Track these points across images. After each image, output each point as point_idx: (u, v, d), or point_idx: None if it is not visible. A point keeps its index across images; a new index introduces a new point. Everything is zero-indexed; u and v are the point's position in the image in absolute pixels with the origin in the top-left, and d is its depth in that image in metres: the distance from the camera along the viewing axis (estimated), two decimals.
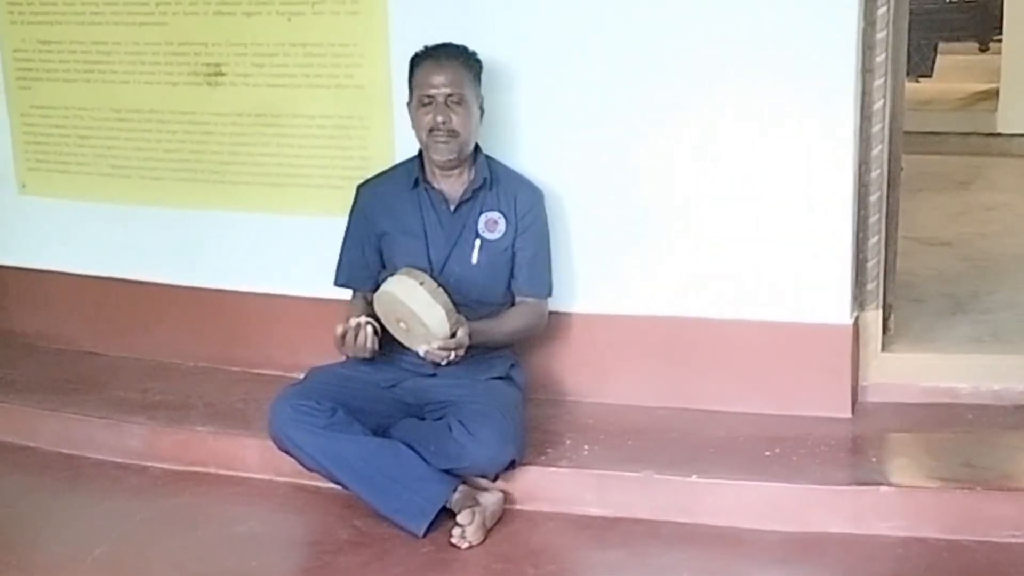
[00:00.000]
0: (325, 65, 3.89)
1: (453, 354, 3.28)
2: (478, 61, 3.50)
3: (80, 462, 3.79)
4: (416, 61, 3.47)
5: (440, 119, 3.40)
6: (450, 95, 3.40)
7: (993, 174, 7.59)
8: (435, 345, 3.26)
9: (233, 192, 4.11)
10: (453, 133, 3.41)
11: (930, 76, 10.58)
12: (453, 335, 3.27)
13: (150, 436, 3.77)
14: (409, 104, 3.50)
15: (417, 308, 3.23)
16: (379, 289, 3.34)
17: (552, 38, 3.68)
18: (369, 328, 3.31)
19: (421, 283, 3.24)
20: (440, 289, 3.26)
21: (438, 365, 3.34)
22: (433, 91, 3.40)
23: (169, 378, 4.17)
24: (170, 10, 4.04)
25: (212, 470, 3.67)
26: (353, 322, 3.32)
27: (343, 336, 3.32)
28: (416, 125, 3.47)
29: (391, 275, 3.36)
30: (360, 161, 3.88)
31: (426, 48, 3.47)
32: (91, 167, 4.32)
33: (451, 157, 3.45)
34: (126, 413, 3.87)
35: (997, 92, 8.83)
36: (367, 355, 3.33)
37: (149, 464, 3.73)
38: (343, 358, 3.52)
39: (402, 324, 3.31)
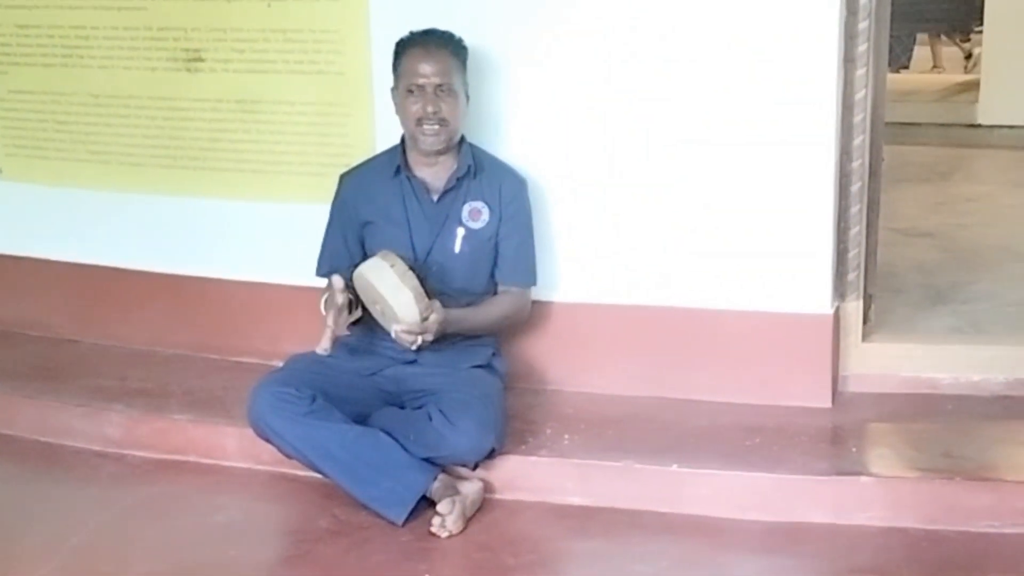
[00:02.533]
0: (305, 51, 3.87)
1: (420, 339, 3.26)
2: (464, 48, 3.48)
3: (58, 450, 3.77)
4: (402, 47, 3.45)
5: (430, 109, 3.37)
6: (439, 85, 3.38)
7: (974, 165, 7.63)
8: (401, 328, 3.25)
9: (212, 179, 4.09)
10: (443, 122, 3.39)
11: (907, 67, 10.62)
12: (425, 319, 3.25)
13: (128, 424, 3.74)
14: (394, 90, 3.48)
15: (385, 291, 3.22)
16: (356, 271, 3.33)
17: (535, 26, 3.66)
18: (340, 297, 3.25)
19: (392, 265, 3.23)
20: (411, 273, 3.24)
21: (410, 350, 3.32)
22: (422, 80, 3.38)
23: (148, 366, 4.14)
24: None
25: (191, 458, 3.65)
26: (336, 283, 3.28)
27: (325, 300, 3.29)
28: (403, 114, 3.44)
29: (371, 255, 3.35)
30: (341, 148, 3.86)
31: (412, 34, 3.45)
32: (69, 153, 4.30)
33: (439, 147, 3.44)
34: (104, 401, 3.85)
35: (977, 83, 8.86)
36: (340, 320, 3.27)
37: (127, 452, 3.71)
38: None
39: (377, 305, 3.30)
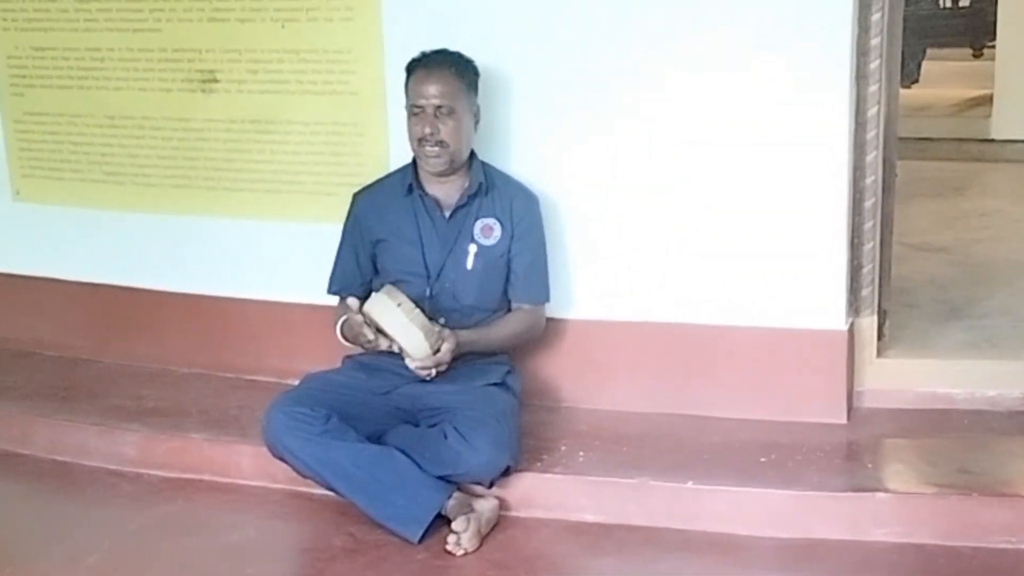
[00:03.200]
0: (319, 71, 3.88)
1: (434, 371, 3.31)
2: (473, 69, 3.48)
3: (74, 469, 3.77)
4: (410, 68, 3.47)
5: (428, 130, 3.39)
6: (439, 106, 3.39)
7: (987, 180, 7.61)
8: (415, 364, 3.28)
9: (227, 199, 4.11)
10: (442, 144, 3.41)
11: (917, 81, 10.61)
12: (437, 351, 3.27)
13: (144, 443, 3.75)
14: (406, 108, 3.49)
15: (393, 331, 3.25)
16: (362, 306, 3.34)
17: (549, 45, 3.67)
18: (359, 317, 3.30)
19: (398, 304, 3.25)
20: (417, 310, 3.26)
21: (423, 381, 3.36)
22: (423, 101, 3.39)
23: (163, 385, 4.15)
24: (164, 16, 4.04)
25: (207, 477, 3.65)
26: (352, 304, 3.32)
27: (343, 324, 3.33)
28: (408, 133, 3.47)
29: (375, 291, 3.36)
30: (354, 168, 3.87)
31: (421, 55, 3.47)
32: (85, 174, 4.32)
33: (441, 169, 3.46)
34: (120, 420, 3.85)
35: (991, 98, 8.85)
36: (368, 343, 3.32)
37: (143, 471, 3.72)
38: (338, 364, 3.52)
39: (385, 342, 3.32)
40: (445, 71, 3.41)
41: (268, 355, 4.10)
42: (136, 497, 3.60)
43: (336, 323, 3.39)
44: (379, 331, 3.33)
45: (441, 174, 3.48)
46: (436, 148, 3.41)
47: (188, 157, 4.13)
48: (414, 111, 3.41)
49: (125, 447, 3.76)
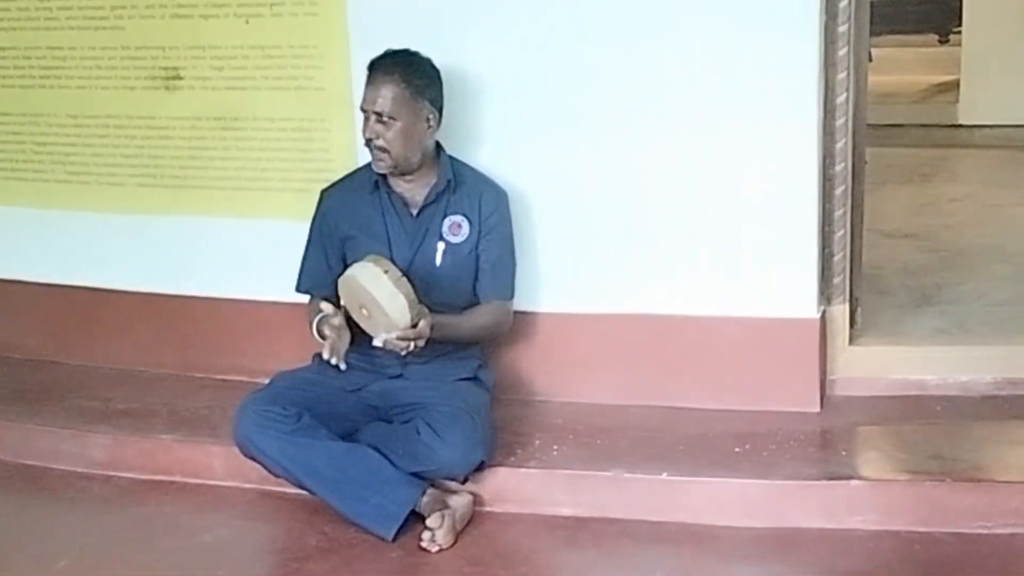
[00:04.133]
0: (284, 67, 3.85)
1: (412, 344, 3.24)
2: (425, 75, 3.42)
3: (43, 473, 3.74)
4: (367, 68, 3.43)
5: (367, 136, 3.38)
6: (379, 114, 3.36)
7: (956, 165, 7.65)
8: (395, 335, 3.23)
9: (193, 197, 4.07)
10: (384, 150, 3.38)
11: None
12: (415, 325, 3.24)
13: (114, 445, 3.72)
14: None
15: (380, 296, 3.20)
16: (344, 273, 3.30)
17: (516, 40, 3.65)
18: (336, 319, 3.26)
19: (386, 271, 3.21)
20: (404, 279, 3.22)
21: (399, 356, 3.31)
22: (367, 107, 3.38)
23: (132, 386, 4.12)
24: (126, 14, 3.99)
25: (178, 478, 3.63)
26: (326, 308, 3.28)
27: (318, 323, 3.30)
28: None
29: (356, 261, 3.33)
30: (322, 164, 3.84)
31: (376, 57, 3.42)
32: (48, 174, 4.27)
33: (385, 171, 3.44)
34: (89, 422, 3.82)
35: (958, 84, 8.88)
36: (341, 338, 3.27)
37: (113, 474, 3.69)
38: (309, 362, 3.49)
39: (364, 311, 3.26)
40: (388, 79, 3.36)
41: (238, 354, 4.07)
42: (106, 500, 3.57)
43: (311, 323, 3.36)
44: (348, 314, 3.29)
45: (391, 175, 3.46)
46: (379, 153, 3.40)
47: (153, 155, 4.09)
48: (363, 113, 3.40)
49: (94, 449, 3.73)
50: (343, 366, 3.24)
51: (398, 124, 3.37)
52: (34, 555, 3.24)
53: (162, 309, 4.18)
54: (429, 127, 3.44)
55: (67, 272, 4.30)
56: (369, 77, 3.39)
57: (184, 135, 4.04)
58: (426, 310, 3.27)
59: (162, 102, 4.03)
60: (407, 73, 3.39)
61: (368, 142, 3.40)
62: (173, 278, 4.15)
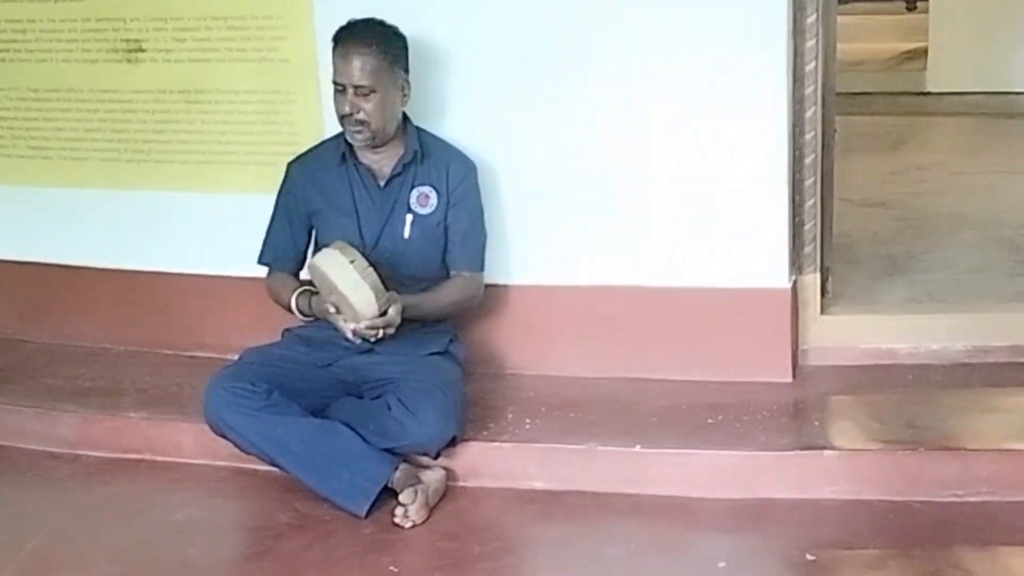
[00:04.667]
0: (248, 38, 3.80)
1: (381, 332, 3.24)
2: (398, 43, 3.40)
3: (10, 453, 3.70)
4: (335, 40, 3.38)
5: (347, 110, 3.34)
6: (357, 87, 3.32)
7: (924, 133, 7.67)
8: (363, 324, 3.21)
9: (158, 171, 4.02)
10: (364, 123, 3.35)
11: None
12: (384, 313, 3.21)
13: (82, 424, 3.69)
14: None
15: (345, 288, 3.18)
16: (311, 261, 3.27)
17: (483, 10, 3.62)
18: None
19: (352, 261, 3.18)
20: (370, 269, 3.19)
21: (368, 341, 3.29)
22: (344, 80, 3.33)
23: (99, 364, 4.08)
24: None
25: (147, 457, 3.60)
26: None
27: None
28: (335, 107, 3.40)
29: (325, 246, 3.30)
30: (288, 136, 3.81)
31: (343, 28, 3.38)
32: (10, 149, 4.21)
33: (364, 144, 3.41)
34: (56, 401, 3.79)
35: (925, 51, 8.90)
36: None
37: (82, 453, 3.65)
38: (278, 338, 3.47)
39: (332, 296, 3.25)
40: (365, 49, 3.32)
41: (206, 330, 4.04)
42: (75, 479, 3.54)
43: (291, 299, 3.35)
44: (325, 287, 3.27)
45: (360, 147, 3.43)
46: (359, 126, 3.35)
47: (116, 129, 4.04)
48: (336, 88, 3.35)
49: (62, 429, 3.70)
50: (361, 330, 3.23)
51: (377, 95, 3.33)
52: (1, 536, 3.21)
53: (128, 285, 4.13)
54: (404, 96, 3.41)
55: (30, 249, 4.25)
56: (341, 49, 3.34)
57: (147, 108, 3.99)
58: (396, 296, 3.26)
59: (125, 75, 3.97)
60: (382, 42, 3.35)
61: (345, 116, 3.35)
62: (139, 254, 4.11)
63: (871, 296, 4.09)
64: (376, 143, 3.41)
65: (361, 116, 3.34)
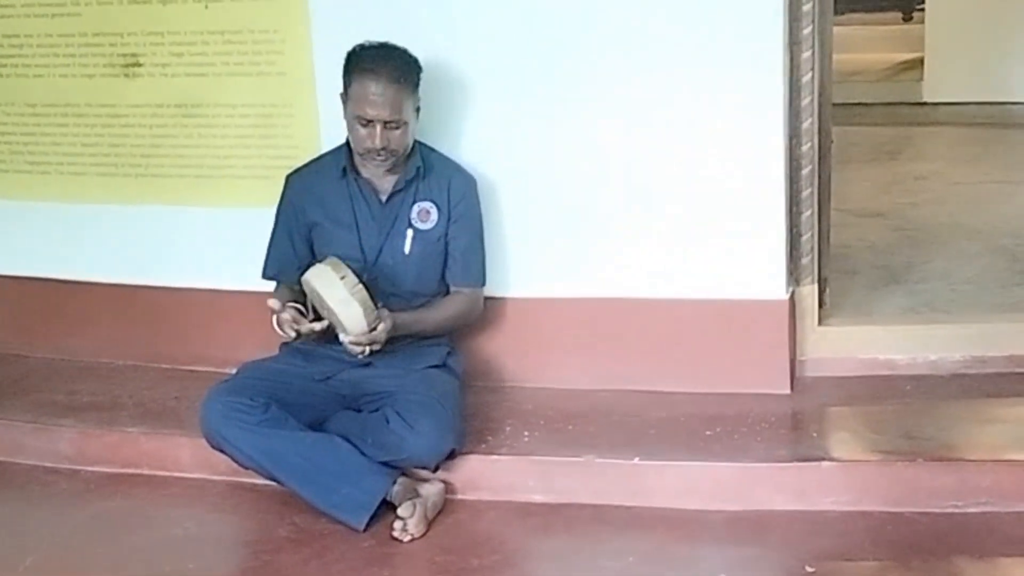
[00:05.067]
0: (245, 53, 3.81)
1: (368, 349, 3.24)
2: (416, 70, 3.37)
3: (8, 468, 3.69)
4: (354, 66, 3.33)
5: (379, 144, 3.31)
6: (389, 122, 3.30)
7: (921, 143, 7.69)
8: (349, 339, 3.22)
9: (156, 186, 4.02)
10: (390, 151, 3.34)
11: None
12: (373, 329, 3.22)
13: (80, 439, 3.68)
14: (344, 99, 3.38)
15: (333, 304, 3.18)
16: (303, 276, 3.28)
17: (482, 25, 3.62)
18: (286, 314, 3.23)
19: (342, 277, 3.18)
20: (360, 286, 3.19)
21: (356, 357, 3.29)
22: (372, 114, 3.28)
23: (97, 379, 4.07)
24: (83, 0, 3.93)
25: (145, 471, 3.59)
26: (273, 305, 3.26)
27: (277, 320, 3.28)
28: (352, 135, 3.37)
29: (318, 261, 3.30)
30: (286, 150, 3.81)
31: (366, 54, 3.33)
32: (7, 164, 4.21)
33: (386, 169, 3.41)
34: (54, 416, 3.78)
35: (922, 61, 8.91)
36: (292, 336, 3.26)
37: (80, 468, 3.65)
38: (276, 352, 3.46)
39: (325, 311, 3.26)
40: (396, 85, 3.28)
41: (204, 344, 4.03)
42: (73, 494, 3.53)
43: (272, 318, 3.34)
44: (315, 308, 3.27)
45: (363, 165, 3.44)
46: (384, 154, 3.34)
47: (114, 144, 4.05)
48: (361, 122, 3.31)
49: (60, 444, 3.69)
50: (292, 335, 3.22)
51: (406, 125, 3.33)
52: (0, 552, 3.19)
53: (126, 300, 4.13)
54: (418, 116, 3.41)
55: (28, 264, 4.25)
56: (366, 84, 3.28)
57: (145, 123, 3.99)
58: (386, 312, 3.26)
59: (122, 90, 3.98)
60: (407, 74, 3.33)
61: (367, 150, 3.33)
62: (137, 268, 4.11)
63: (869, 307, 4.09)
64: (395, 166, 3.41)
65: (391, 147, 3.33)
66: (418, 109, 3.40)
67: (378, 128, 3.30)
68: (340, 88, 3.38)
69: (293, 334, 3.24)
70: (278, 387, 3.27)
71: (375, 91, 3.28)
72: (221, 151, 3.93)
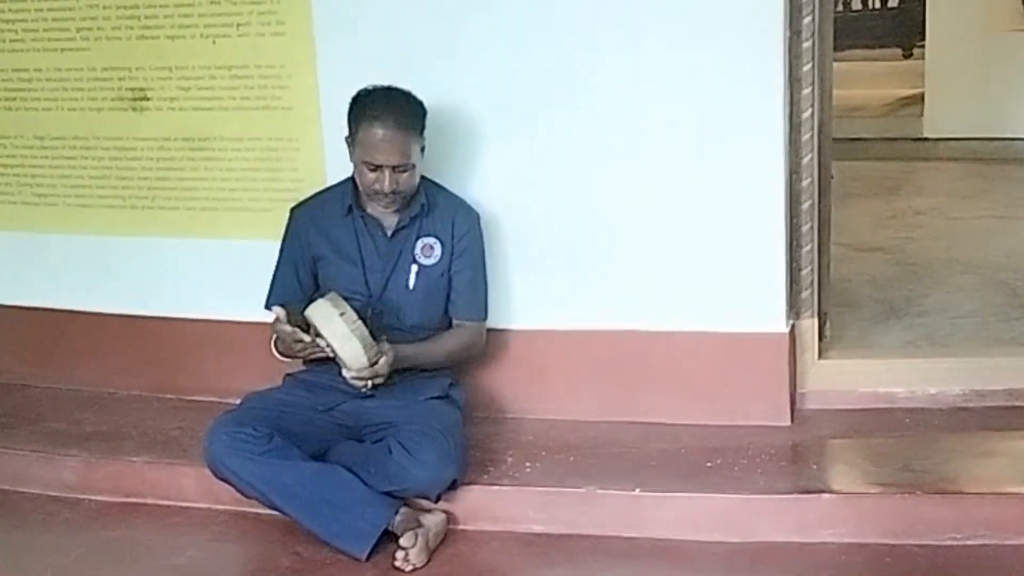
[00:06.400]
0: (252, 87, 3.85)
1: (370, 383, 3.27)
2: (422, 113, 3.40)
3: (13, 497, 3.71)
4: (360, 113, 3.36)
5: (387, 188, 3.34)
6: (397, 166, 3.34)
7: (921, 178, 7.71)
8: (350, 375, 3.24)
9: (162, 218, 4.06)
10: (399, 193, 3.38)
11: None
12: (375, 363, 3.24)
13: (84, 468, 3.69)
14: (349, 142, 3.40)
15: (333, 340, 3.20)
16: (305, 311, 3.29)
17: (486, 62, 3.66)
18: (287, 327, 3.24)
19: (341, 314, 3.20)
20: (359, 322, 3.21)
21: (360, 393, 3.33)
22: (381, 160, 3.32)
23: (102, 408, 4.09)
24: (92, 35, 3.98)
25: (149, 500, 3.61)
26: (278, 312, 3.27)
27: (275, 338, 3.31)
28: (359, 177, 3.40)
29: (319, 296, 3.33)
30: (291, 183, 3.84)
31: (371, 100, 3.36)
32: (16, 196, 4.25)
33: (394, 210, 3.44)
34: (59, 446, 3.79)
35: (922, 97, 8.95)
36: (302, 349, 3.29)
37: (84, 497, 3.66)
38: (279, 382, 3.48)
39: (326, 346, 3.28)
40: (404, 133, 3.32)
41: (208, 375, 4.05)
42: (77, 523, 3.54)
43: (271, 338, 3.36)
44: (317, 335, 3.30)
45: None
46: (393, 196, 3.38)
47: (121, 177, 4.08)
48: (369, 167, 3.34)
49: (65, 473, 3.70)
50: (294, 348, 3.25)
51: (414, 168, 3.37)
52: None
53: (132, 330, 4.15)
54: (423, 155, 3.44)
55: (34, 294, 4.27)
56: (375, 128, 3.31)
57: (152, 156, 4.02)
58: (388, 345, 3.28)
59: (129, 123, 4.01)
60: (414, 119, 3.37)
61: (375, 192, 3.37)
62: (142, 299, 4.13)
63: (869, 340, 4.11)
64: (403, 205, 3.45)
65: (399, 190, 3.36)
66: (423, 149, 3.43)
67: (387, 173, 3.33)
68: (345, 124, 3.41)
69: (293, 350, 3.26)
70: (282, 418, 3.29)
71: (383, 138, 3.31)
72: (227, 184, 3.96)
